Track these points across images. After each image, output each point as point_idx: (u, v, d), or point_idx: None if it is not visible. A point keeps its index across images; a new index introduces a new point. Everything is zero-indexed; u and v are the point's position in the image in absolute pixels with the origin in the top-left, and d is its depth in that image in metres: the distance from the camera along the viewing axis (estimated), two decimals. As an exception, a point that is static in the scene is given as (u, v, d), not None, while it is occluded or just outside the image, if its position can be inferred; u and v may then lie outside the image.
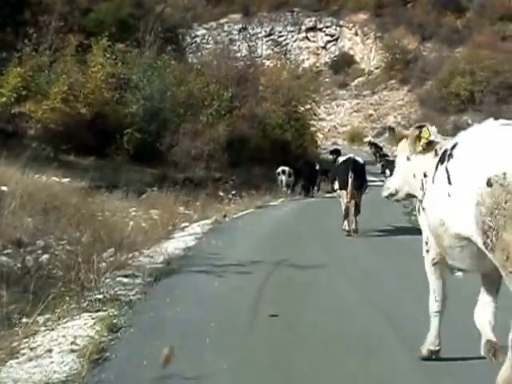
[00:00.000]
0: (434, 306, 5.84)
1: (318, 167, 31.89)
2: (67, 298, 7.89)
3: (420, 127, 6.07)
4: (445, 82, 61.97)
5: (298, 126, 43.06)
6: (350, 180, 15.67)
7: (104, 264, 10.28)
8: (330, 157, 49.48)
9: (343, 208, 16.10)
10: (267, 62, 57.27)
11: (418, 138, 5.97)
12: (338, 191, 16.72)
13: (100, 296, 8.30)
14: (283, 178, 31.03)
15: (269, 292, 8.18)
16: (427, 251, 5.88)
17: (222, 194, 28.53)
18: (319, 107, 45.01)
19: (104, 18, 36.05)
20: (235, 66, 43.48)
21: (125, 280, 9.50)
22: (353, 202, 15.74)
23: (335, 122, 64.68)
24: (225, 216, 18.72)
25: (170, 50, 33.39)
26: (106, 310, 7.60)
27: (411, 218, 21.33)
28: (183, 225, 17.87)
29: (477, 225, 4.50)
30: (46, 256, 10.04)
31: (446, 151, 5.11)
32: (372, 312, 7.71)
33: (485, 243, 4.49)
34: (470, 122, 60.56)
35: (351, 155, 17.57)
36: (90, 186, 22.19)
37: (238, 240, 14.02)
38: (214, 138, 31.70)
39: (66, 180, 21.71)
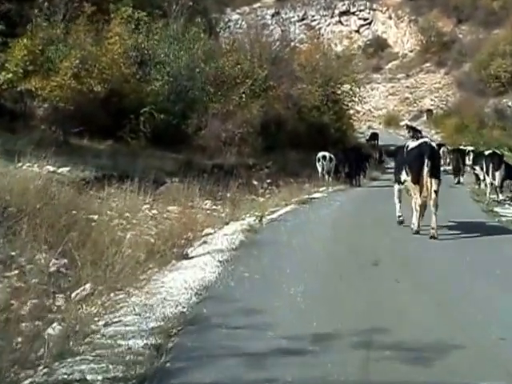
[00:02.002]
0: None
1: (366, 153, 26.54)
2: None
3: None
4: (484, 63, 55.78)
5: (336, 108, 37.56)
6: (426, 170, 12.06)
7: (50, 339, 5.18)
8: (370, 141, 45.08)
9: (414, 205, 12.60)
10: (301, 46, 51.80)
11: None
12: (408, 184, 12.91)
13: None
14: (324, 163, 25.75)
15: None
16: None
17: (256, 182, 23.36)
18: (360, 88, 39.26)
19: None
20: (269, 45, 38.36)
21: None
22: (433, 196, 12.12)
23: (370, 106, 58.81)
24: (261, 219, 13.37)
25: (199, 22, 27.84)
26: None
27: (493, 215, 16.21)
28: (206, 231, 12.64)
29: None
30: None
31: None
32: None
33: None
34: (510, 104, 55.30)
35: (426, 139, 13.80)
36: (97, 176, 17.15)
37: (283, 273, 8.38)
38: (246, 120, 26.32)
39: (64, 170, 16.66)
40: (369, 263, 8.95)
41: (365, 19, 78.45)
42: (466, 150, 28.29)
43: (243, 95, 26.90)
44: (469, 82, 57.01)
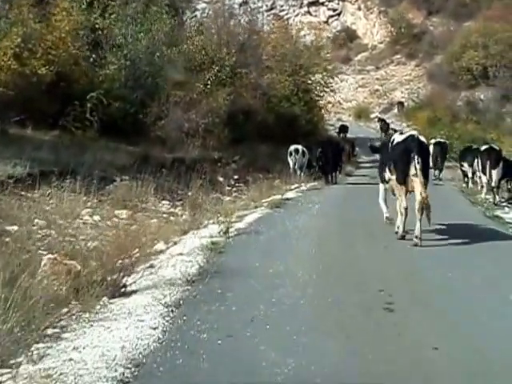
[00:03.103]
0: None
1: (342, 146, 23.95)
2: None
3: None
4: (456, 55, 53.51)
5: (307, 99, 34.85)
6: (418, 167, 10.44)
7: None
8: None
9: (399, 207, 11.09)
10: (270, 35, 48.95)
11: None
12: (392, 183, 11.36)
13: None
14: (296, 158, 23.14)
15: None
16: None
17: (221, 179, 20.72)
18: (333, 78, 36.62)
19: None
20: (237, 32, 35.51)
21: None
22: (418, 198, 10.39)
23: (339, 98, 56.16)
24: (227, 230, 10.56)
25: (161, 1, 24.83)
26: None
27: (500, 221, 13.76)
28: (157, 247, 9.84)
29: None
30: None
31: None
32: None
33: None
34: (482, 97, 53.24)
35: (414, 132, 11.53)
36: (31, 172, 14.22)
37: (260, 332, 5.52)
38: (212, 109, 23.45)
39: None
40: (378, 306, 6.25)
41: (334, 10, 75.84)
42: (445, 142, 25.94)
43: (209, 82, 24.00)
44: (440, 74, 54.73)
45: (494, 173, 16.52)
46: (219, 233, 10.43)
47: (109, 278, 7.17)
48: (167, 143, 21.81)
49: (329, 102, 39.36)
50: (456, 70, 52.82)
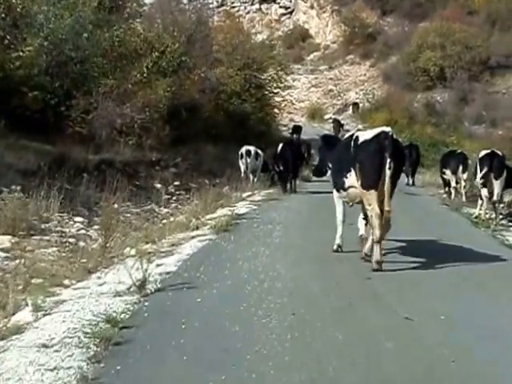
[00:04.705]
0: None
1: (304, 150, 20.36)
2: None
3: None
4: (412, 56, 50.79)
5: (259, 96, 31.22)
6: (388, 172, 8.18)
7: None
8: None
9: (371, 220, 8.41)
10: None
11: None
12: (355, 192, 8.86)
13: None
14: (248, 160, 19.54)
15: None
16: None
17: (158, 186, 16.77)
18: (287, 73, 33.10)
19: None
20: (184, 21, 31.72)
21: None
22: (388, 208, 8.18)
23: (291, 97, 52.68)
24: (142, 286, 6.49)
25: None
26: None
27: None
28: (21, 317, 5.88)
29: None
30: None
31: None
32: None
33: None
34: (439, 99, 50.51)
35: (386, 128, 8.77)
36: None
37: None
38: (150, 102, 19.48)
39: None
40: None
41: (286, 8, 72.68)
42: (418, 145, 22.65)
43: (145, 70, 19.96)
44: (396, 74, 51.96)
45: (497, 184, 12.97)
46: (129, 288, 6.51)
47: None
48: (94, 142, 17.82)
49: (283, 100, 35.71)
50: (413, 71, 50.23)
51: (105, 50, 20.27)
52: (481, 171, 13.12)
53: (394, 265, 8.27)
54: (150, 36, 22.55)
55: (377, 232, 8.10)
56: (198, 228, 10.75)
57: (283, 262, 8.44)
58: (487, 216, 13.36)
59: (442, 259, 8.56)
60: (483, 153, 13.49)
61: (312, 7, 70.52)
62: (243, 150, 19.73)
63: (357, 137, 8.86)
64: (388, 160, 8.15)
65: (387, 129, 8.70)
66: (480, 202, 13.80)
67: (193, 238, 9.84)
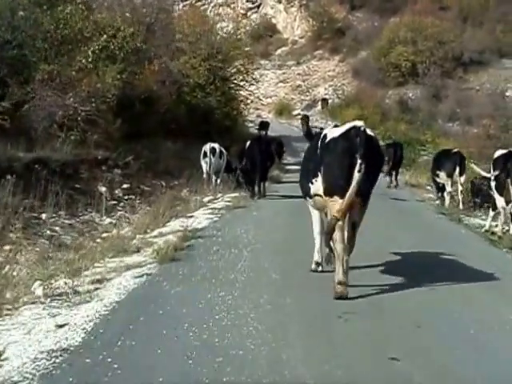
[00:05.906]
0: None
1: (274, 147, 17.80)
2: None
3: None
4: (383, 51, 48.69)
5: (225, 89, 28.55)
6: (357, 176, 6.69)
7: None
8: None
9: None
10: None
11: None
12: (319, 199, 7.41)
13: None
14: (212, 160, 16.94)
15: None
16: None
17: (103, 189, 14.02)
18: (253, 64, 30.52)
19: None
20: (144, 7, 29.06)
21: None
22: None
23: (258, 93, 50.16)
24: None
25: None
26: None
27: None
28: None
29: None
30: None
31: None
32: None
33: None
34: (411, 95, 48.40)
35: (358, 123, 7.18)
36: None
37: None
38: (97, 92, 16.62)
39: None
40: None
41: (253, 2, 70.07)
42: (401, 144, 20.30)
43: (91, 54, 17.03)
44: (366, 70, 49.80)
45: (514, 189, 10.44)
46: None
47: None
48: (30, 136, 14.95)
49: (252, 93, 33.01)
50: (384, 67, 48.22)
51: (47, 32, 17.34)
52: (496, 177, 10.58)
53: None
54: (99, 18, 19.66)
55: (338, 247, 6.66)
56: (138, 251, 8.04)
57: (252, 323, 5.56)
58: (504, 230, 10.85)
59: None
60: (500, 152, 10.91)
61: (280, 1, 68.11)
62: (207, 147, 17.14)
63: (325, 134, 7.40)
64: (359, 161, 6.70)
65: (359, 123, 7.18)
66: (492, 213, 11.30)
67: (128, 269, 7.11)
